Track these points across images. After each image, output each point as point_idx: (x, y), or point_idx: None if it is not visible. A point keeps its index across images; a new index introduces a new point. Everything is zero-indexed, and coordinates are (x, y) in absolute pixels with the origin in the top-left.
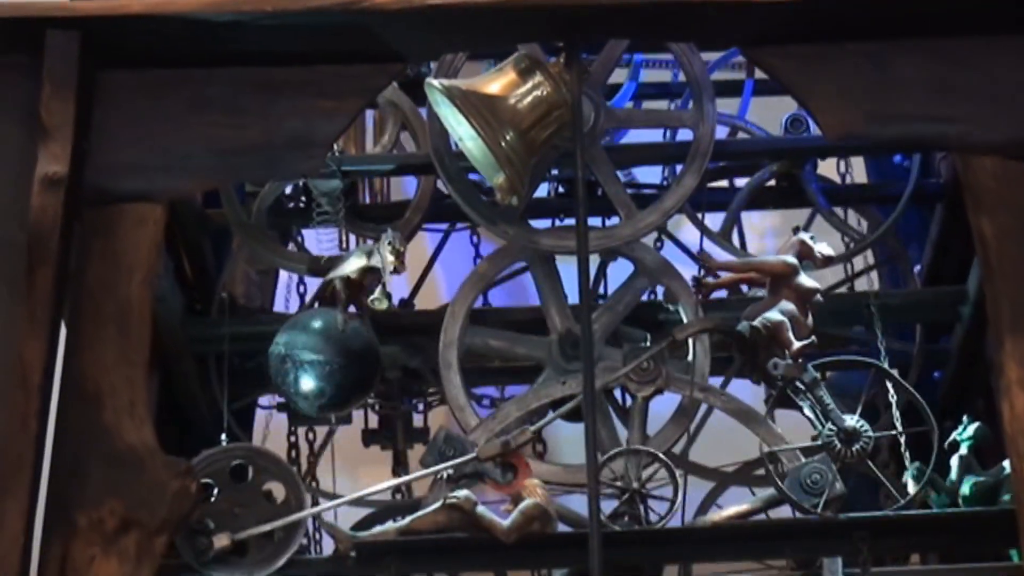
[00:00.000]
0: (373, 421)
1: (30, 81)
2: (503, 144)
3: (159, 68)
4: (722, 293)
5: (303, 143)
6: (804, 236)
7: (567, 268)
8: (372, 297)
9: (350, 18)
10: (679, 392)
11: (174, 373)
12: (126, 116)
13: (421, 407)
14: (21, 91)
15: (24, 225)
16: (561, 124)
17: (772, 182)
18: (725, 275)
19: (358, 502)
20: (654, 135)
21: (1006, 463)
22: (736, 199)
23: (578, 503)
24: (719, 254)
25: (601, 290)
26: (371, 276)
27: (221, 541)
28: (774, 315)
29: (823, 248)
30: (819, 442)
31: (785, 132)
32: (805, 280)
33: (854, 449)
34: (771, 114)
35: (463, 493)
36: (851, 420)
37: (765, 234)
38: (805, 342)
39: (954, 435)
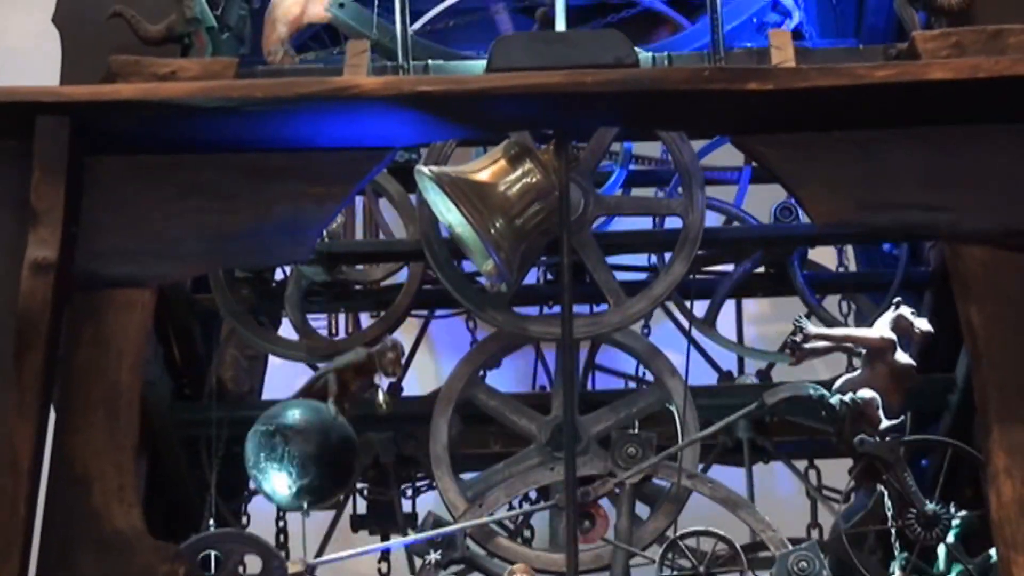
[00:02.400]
0: (361, 507)
1: (20, 166)
2: (492, 231)
3: (149, 154)
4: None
5: (292, 229)
6: (905, 311)
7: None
8: (379, 399)
9: (339, 104)
10: (666, 480)
11: (162, 457)
12: (116, 201)
13: (410, 493)
14: (11, 176)
15: (13, 309)
16: (551, 211)
17: (761, 269)
18: (819, 343)
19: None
20: (643, 221)
21: (993, 551)
22: (720, 288)
23: None
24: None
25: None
26: (361, 375)
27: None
28: (867, 392)
29: (922, 324)
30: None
31: (775, 220)
32: (901, 357)
33: (934, 533)
34: (760, 202)
35: None
36: (931, 505)
37: (756, 321)
38: (895, 422)
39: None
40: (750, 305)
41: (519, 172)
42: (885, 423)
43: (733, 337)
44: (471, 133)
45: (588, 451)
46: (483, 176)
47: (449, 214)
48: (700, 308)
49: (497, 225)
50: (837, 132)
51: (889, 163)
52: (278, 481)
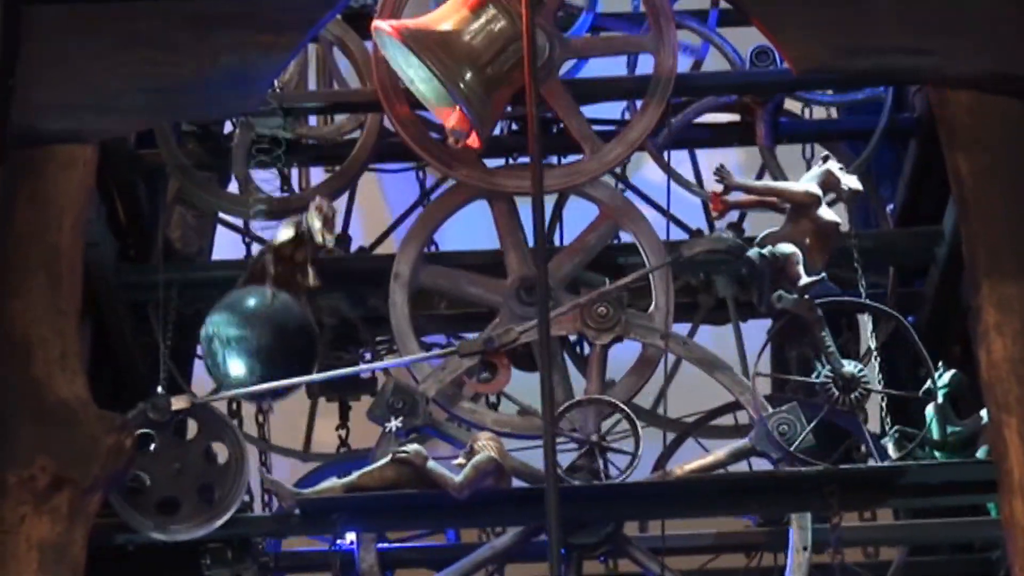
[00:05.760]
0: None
1: None
2: (461, 84)
3: (89, 2)
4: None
5: (240, 80)
6: (832, 166)
7: (526, 208)
8: (309, 281)
9: None
10: (639, 340)
11: (108, 323)
12: (54, 53)
13: (368, 357)
14: None
15: None
16: (519, 58)
17: (737, 118)
18: (742, 196)
19: (303, 456)
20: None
21: (983, 412)
22: (684, 117)
23: (534, 457)
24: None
25: (557, 232)
26: (302, 249)
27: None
28: (787, 247)
29: (851, 181)
30: (816, 385)
31: (750, 65)
32: (826, 213)
33: (852, 397)
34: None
35: (413, 447)
36: (850, 366)
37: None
38: (815, 278)
39: (929, 383)
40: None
41: (483, 20)
42: (805, 279)
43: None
44: None
45: (558, 304)
46: (446, 27)
47: (411, 70)
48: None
49: (466, 78)
50: None
51: (870, 4)
52: (232, 379)
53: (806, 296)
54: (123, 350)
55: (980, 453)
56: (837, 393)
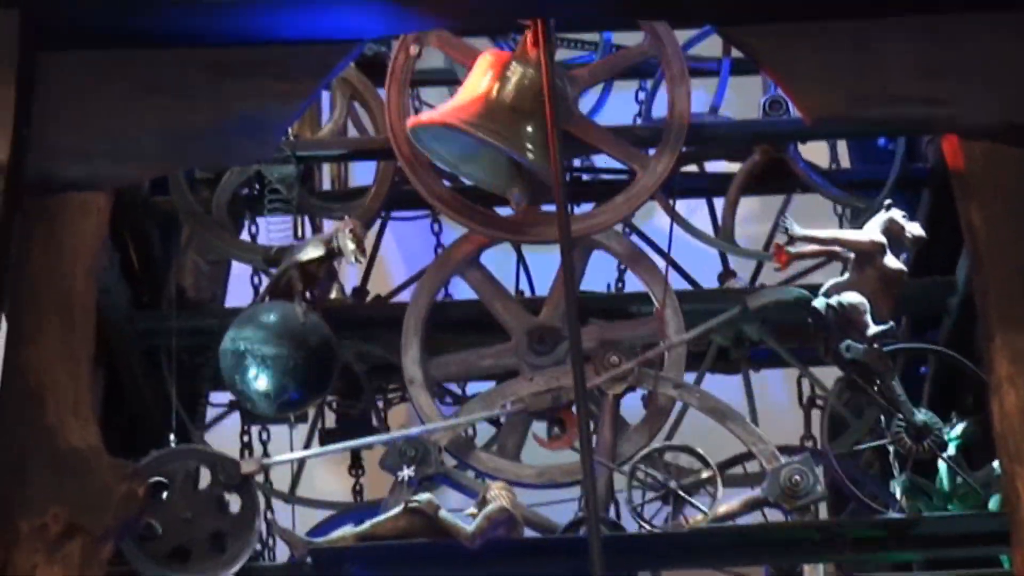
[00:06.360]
0: (330, 420)
1: None
2: (528, 145)
3: (104, 49)
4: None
5: (256, 127)
6: (896, 214)
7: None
8: (349, 246)
9: None
10: (652, 390)
11: (120, 369)
12: (70, 100)
13: (380, 404)
14: None
15: None
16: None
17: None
18: (806, 247)
19: (315, 504)
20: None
21: (996, 463)
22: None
23: (547, 508)
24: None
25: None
26: (326, 266)
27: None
28: (854, 296)
29: (914, 228)
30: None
31: (764, 115)
32: (891, 261)
33: (925, 444)
34: (747, 95)
35: (425, 496)
36: (922, 414)
37: (744, 220)
38: (884, 327)
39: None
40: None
41: (514, 79)
42: (873, 329)
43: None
44: (443, 23)
45: (567, 359)
46: (489, 98)
47: (452, 155)
48: (686, 208)
49: (528, 131)
50: (828, 21)
51: (883, 53)
52: (260, 393)
53: (875, 345)
54: (136, 397)
55: (992, 504)
56: (910, 442)
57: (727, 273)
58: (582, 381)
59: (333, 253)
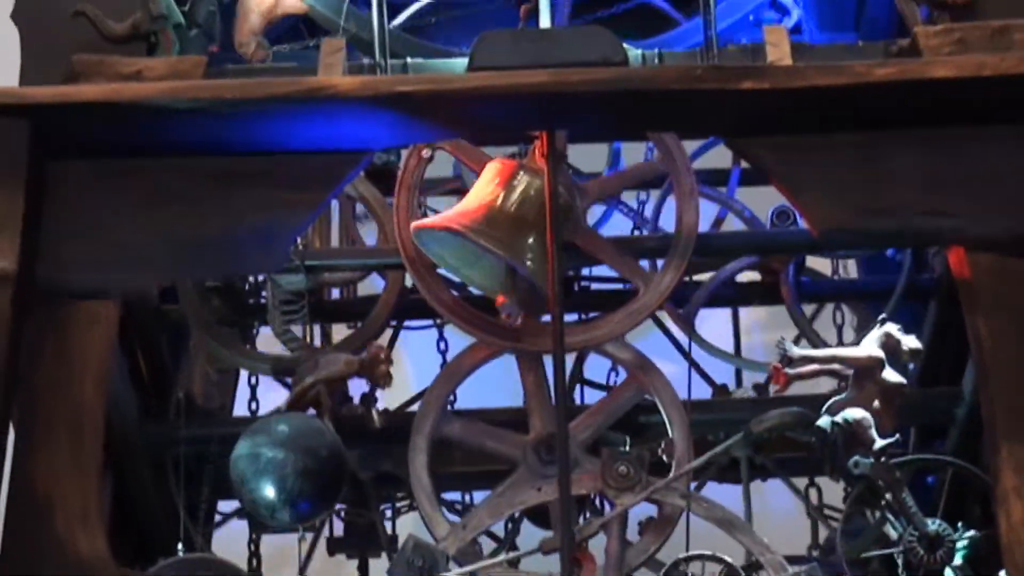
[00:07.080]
0: (338, 529)
1: None
2: (529, 255)
3: (114, 158)
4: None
5: (265, 237)
6: (892, 328)
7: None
8: (373, 415)
9: (314, 105)
10: (660, 499)
11: (128, 478)
12: (78, 209)
13: (388, 514)
14: None
15: None
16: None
17: (757, 277)
18: (804, 367)
19: None
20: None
21: (1003, 574)
22: (696, 295)
23: None
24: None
25: (579, 390)
26: (342, 383)
27: None
28: (856, 412)
29: (910, 341)
30: (900, 547)
31: (771, 226)
32: (891, 375)
33: (938, 555)
34: (754, 206)
35: None
36: (934, 525)
37: (752, 330)
38: (888, 440)
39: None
40: (746, 314)
41: (520, 187)
42: (880, 443)
43: (729, 348)
44: (452, 134)
45: (578, 465)
46: (493, 206)
47: (453, 258)
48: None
49: (530, 241)
50: (836, 134)
51: (891, 166)
52: (270, 502)
53: (883, 459)
54: (144, 506)
55: None
56: (923, 552)
57: (721, 390)
58: (568, 494)
59: (361, 374)
